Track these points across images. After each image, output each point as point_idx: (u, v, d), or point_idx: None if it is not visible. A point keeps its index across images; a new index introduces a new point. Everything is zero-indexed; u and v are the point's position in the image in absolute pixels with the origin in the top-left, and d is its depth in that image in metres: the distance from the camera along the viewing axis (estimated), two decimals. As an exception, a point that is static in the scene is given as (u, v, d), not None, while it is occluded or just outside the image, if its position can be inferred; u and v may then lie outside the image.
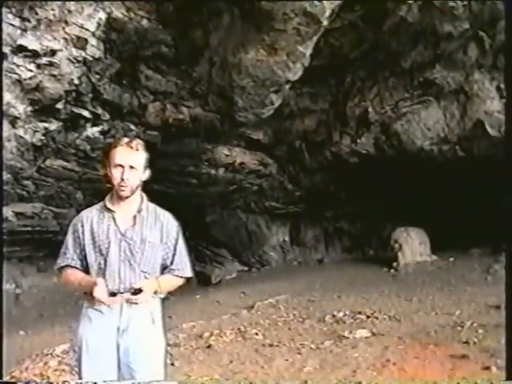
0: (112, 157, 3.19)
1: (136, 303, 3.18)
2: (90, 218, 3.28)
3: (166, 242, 3.34)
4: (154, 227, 3.30)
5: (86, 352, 3.18)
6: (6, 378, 5.95)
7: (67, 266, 3.27)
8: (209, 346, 7.04)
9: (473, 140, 10.58)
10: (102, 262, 3.19)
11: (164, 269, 3.38)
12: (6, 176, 8.92)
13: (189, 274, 3.49)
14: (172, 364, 6.41)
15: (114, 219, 3.24)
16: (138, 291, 3.12)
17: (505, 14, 8.79)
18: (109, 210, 3.26)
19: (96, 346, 3.16)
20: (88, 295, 3.15)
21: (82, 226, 3.28)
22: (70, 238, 3.32)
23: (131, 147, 3.18)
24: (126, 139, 3.25)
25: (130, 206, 3.28)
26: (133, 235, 3.23)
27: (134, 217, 3.26)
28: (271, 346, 6.76)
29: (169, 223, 3.37)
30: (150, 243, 3.26)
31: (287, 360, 6.08)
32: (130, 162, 3.17)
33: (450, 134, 10.68)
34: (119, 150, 3.19)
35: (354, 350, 6.10)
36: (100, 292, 3.06)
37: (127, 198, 3.24)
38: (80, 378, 3.22)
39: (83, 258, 3.26)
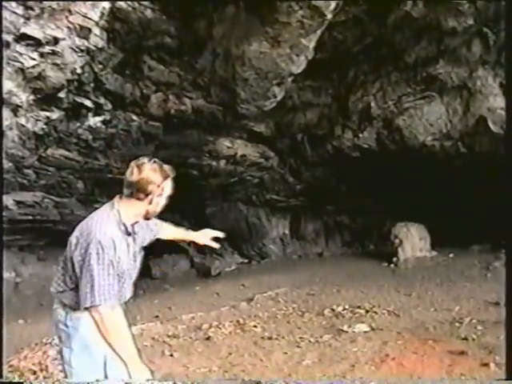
0: (168, 188, 3.25)
1: None
2: (117, 242, 3.09)
3: None
4: (141, 238, 3.43)
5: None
6: (4, 367, 5.97)
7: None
8: (208, 338, 7.06)
9: (475, 136, 10.56)
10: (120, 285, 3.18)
11: None
12: (7, 164, 8.91)
13: None
14: (171, 355, 6.44)
15: (128, 245, 3.24)
16: None
17: (505, 14, 8.83)
18: (128, 234, 3.22)
19: None
20: None
21: (115, 250, 3.07)
22: (109, 267, 3.02)
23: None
24: (169, 168, 3.24)
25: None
26: (135, 255, 3.33)
27: (134, 234, 3.31)
28: (270, 338, 6.78)
29: (146, 228, 3.55)
30: (139, 256, 3.43)
31: (286, 353, 6.09)
32: None
33: (453, 130, 10.66)
34: (170, 181, 3.25)
35: (352, 345, 6.11)
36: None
37: None
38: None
39: None
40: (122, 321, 3.05)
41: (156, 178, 3.12)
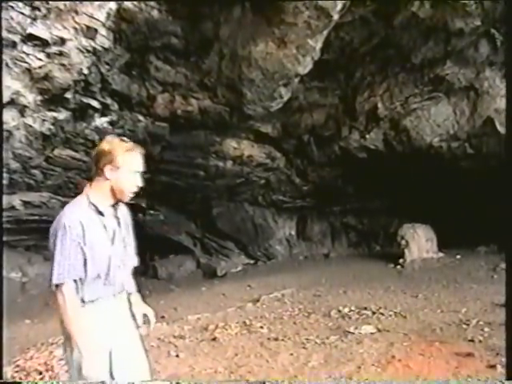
0: (129, 162, 3.08)
1: None
2: (86, 222, 2.99)
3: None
4: (127, 224, 3.31)
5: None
6: (10, 367, 5.99)
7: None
8: (214, 339, 7.06)
9: (482, 137, 10.55)
10: (101, 273, 3.07)
11: None
12: (14, 165, 8.94)
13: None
14: (177, 356, 6.43)
15: (105, 227, 3.11)
16: None
17: (505, 14, 8.81)
18: (100, 213, 3.08)
19: None
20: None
21: (83, 230, 2.96)
22: (70, 247, 2.92)
23: (140, 153, 3.14)
24: (132, 143, 3.13)
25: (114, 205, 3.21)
26: (119, 239, 3.20)
27: (117, 217, 3.21)
28: (276, 339, 6.76)
29: (128, 216, 3.37)
30: (128, 243, 3.29)
31: (292, 354, 6.08)
32: (142, 167, 3.15)
33: (460, 130, 10.65)
34: (135, 155, 3.11)
35: (359, 346, 6.09)
36: None
37: None
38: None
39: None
40: (74, 298, 2.98)
41: (111, 149, 3.04)
